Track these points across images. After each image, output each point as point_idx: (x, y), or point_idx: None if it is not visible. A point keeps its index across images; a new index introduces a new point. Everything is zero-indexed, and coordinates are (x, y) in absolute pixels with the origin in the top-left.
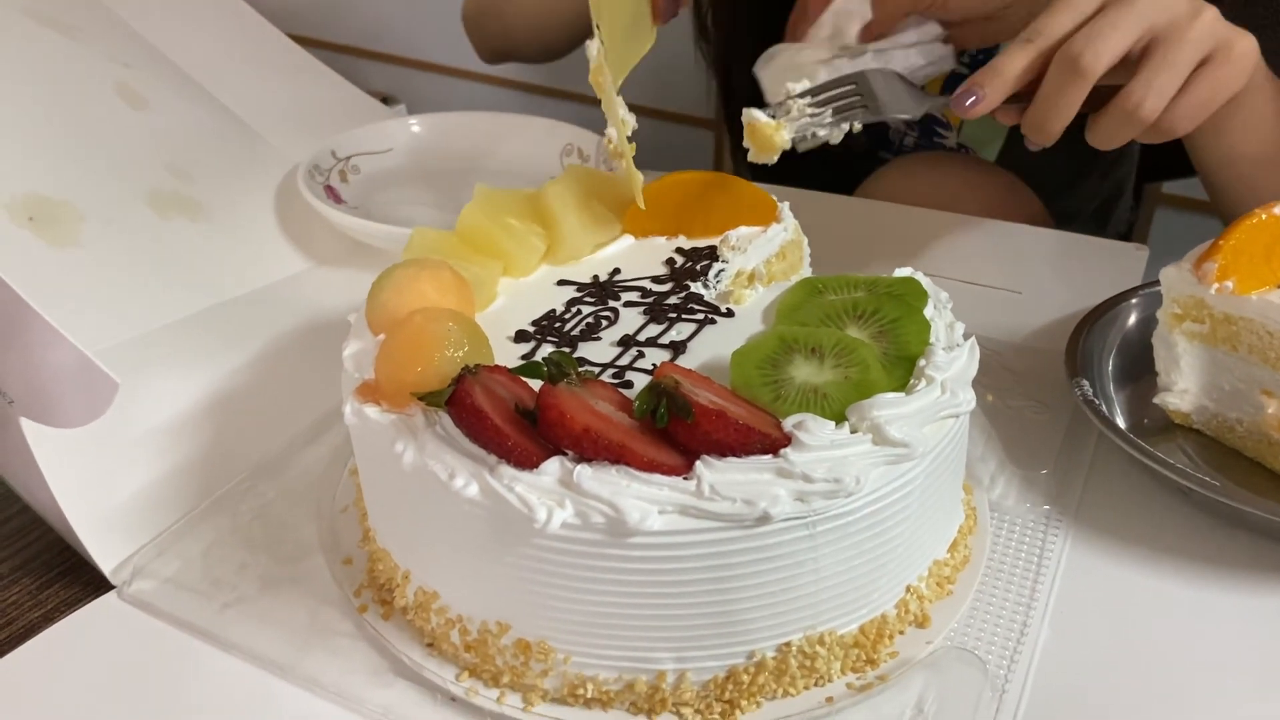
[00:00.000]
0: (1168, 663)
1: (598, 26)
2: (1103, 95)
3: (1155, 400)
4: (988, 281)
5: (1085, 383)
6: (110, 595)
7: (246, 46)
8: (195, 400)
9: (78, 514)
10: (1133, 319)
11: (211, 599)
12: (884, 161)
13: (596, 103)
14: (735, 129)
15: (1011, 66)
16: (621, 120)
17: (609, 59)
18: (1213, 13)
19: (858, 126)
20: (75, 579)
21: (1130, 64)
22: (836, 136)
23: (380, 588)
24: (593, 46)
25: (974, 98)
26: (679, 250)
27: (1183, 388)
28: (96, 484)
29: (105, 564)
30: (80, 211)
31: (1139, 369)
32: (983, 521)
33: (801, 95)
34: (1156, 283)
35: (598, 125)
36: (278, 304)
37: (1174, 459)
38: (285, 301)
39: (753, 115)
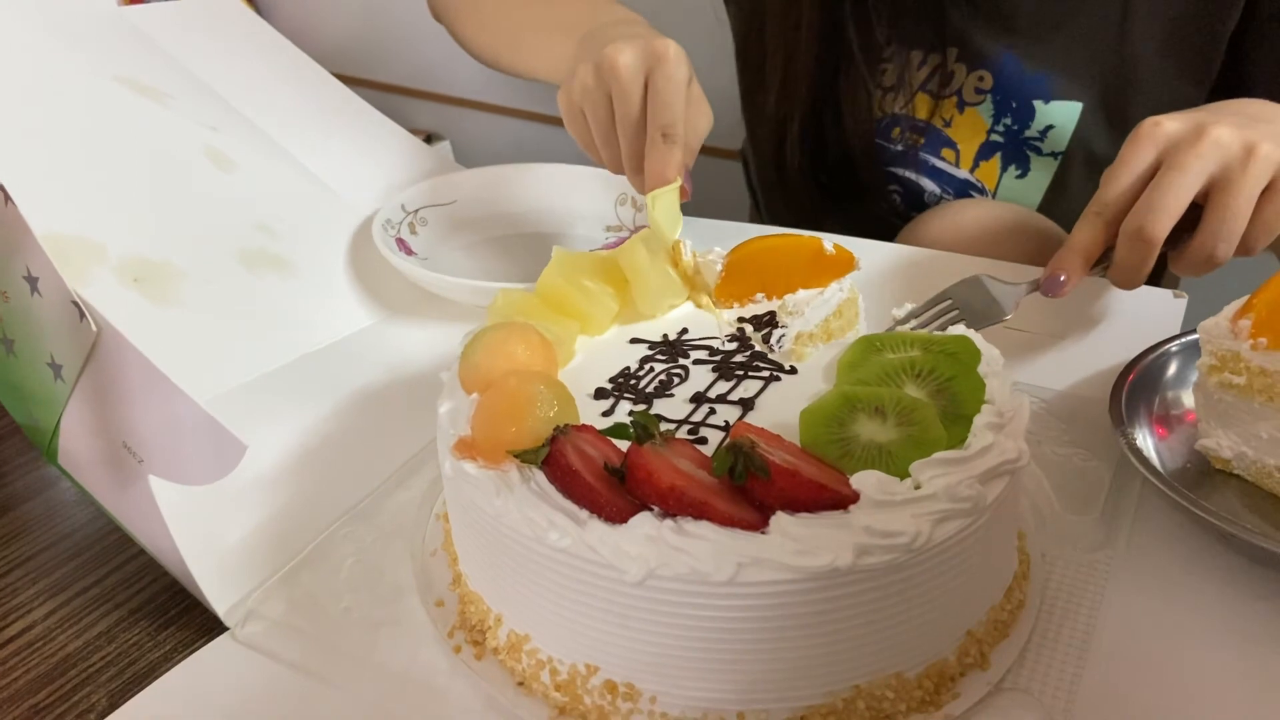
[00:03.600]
0: (1216, 701)
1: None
2: (1182, 228)
3: (1197, 446)
4: (1031, 328)
5: (1130, 430)
6: (225, 637)
7: (313, 100)
8: (290, 448)
9: (197, 561)
10: (1173, 367)
11: (318, 640)
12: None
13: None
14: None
15: (1086, 242)
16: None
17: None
18: (1268, 141)
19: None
20: (190, 620)
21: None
22: None
23: (472, 629)
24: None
25: (1061, 279)
26: (740, 319)
27: (1222, 435)
28: (210, 531)
29: (220, 607)
30: (181, 270)
31: (1180, 415)
32: (1035, 566)
33: (905, 320)
34: (1194, 331)
35: None
36: (358, 354)
37: (1216, 504)
38: (364, 352)
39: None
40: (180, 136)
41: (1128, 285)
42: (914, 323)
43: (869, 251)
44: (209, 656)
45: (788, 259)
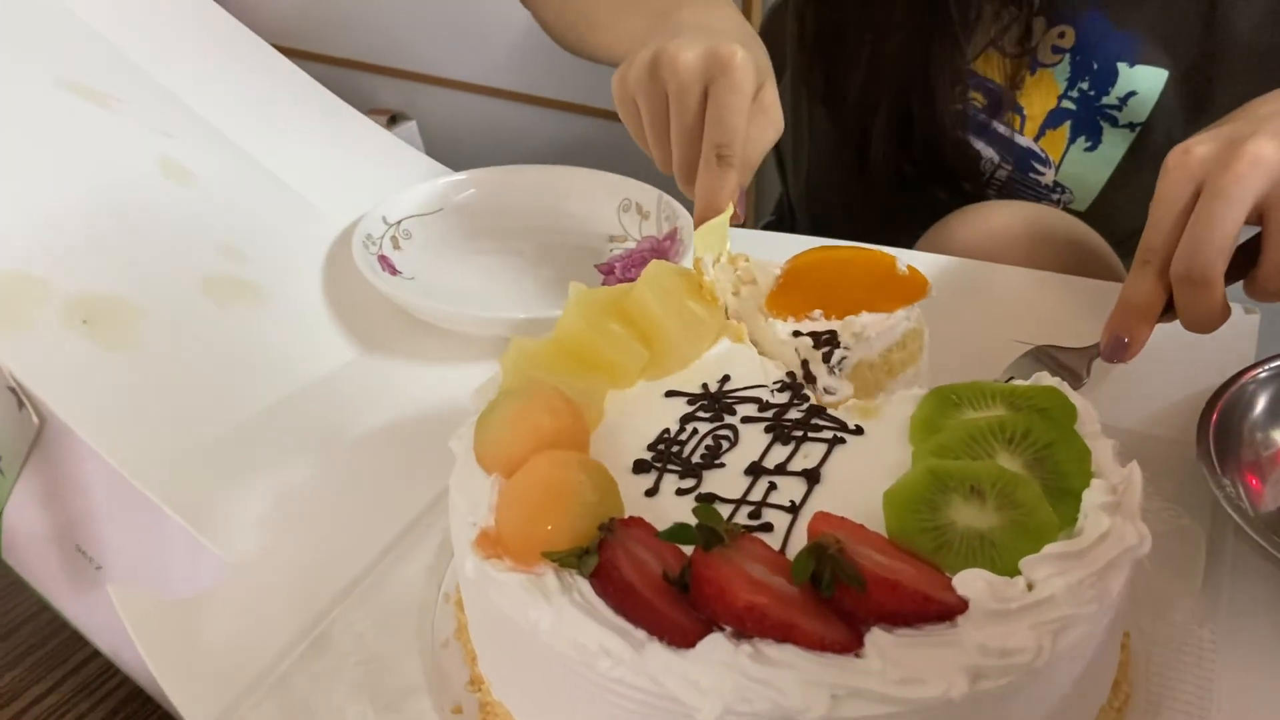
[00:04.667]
0: None
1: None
2: (1245, 252)
3: None
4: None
5: (1227, 483)
6: None
7: (275, 94)
8: (273, 517)
9: (167, 673)
10: (1261, 401)
11: None
12: (964, 196)
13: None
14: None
15: (1141, 296)
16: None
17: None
18: None
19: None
20: None
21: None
22: None
23: None
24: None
25: (1125, 342)
26: (796, 333)
27: None
28: (182, 633)
29: None
30: (137, 307)
31: (1272, 457)
32: (1135, 646)
33: None
34: (1276, 356)
35: (650, 176)
36: (342, 394)
37: None
38: (350, 391)
39: None
40: (130, 147)
41: (1202, 330)
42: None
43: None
44: None
45: (855, 275)
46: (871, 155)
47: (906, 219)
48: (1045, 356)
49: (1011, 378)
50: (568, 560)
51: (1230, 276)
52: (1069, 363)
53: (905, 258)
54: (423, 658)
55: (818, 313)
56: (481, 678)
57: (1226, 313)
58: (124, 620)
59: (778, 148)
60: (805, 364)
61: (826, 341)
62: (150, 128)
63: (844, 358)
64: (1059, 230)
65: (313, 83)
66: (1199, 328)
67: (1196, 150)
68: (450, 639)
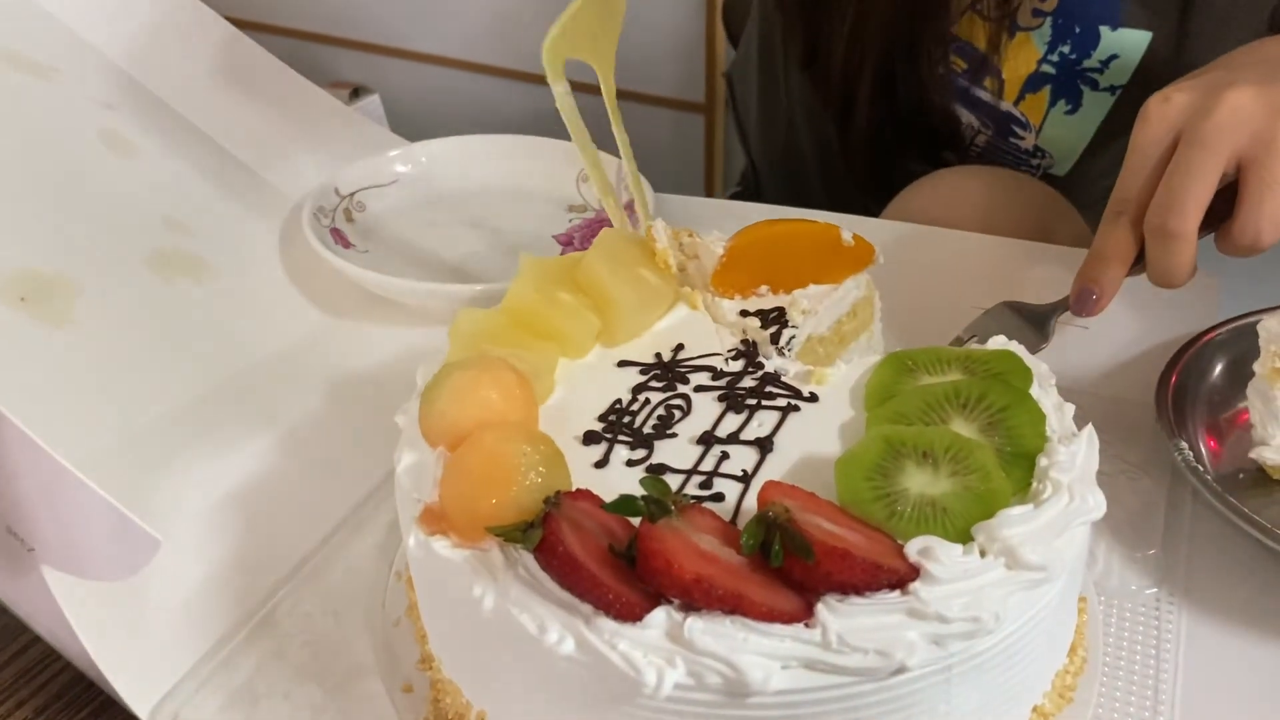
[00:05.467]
0: None
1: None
2: (1220, 204)
3: (1252, 454)
4: None
5: (1185, 446)
6: None
7: (224, 65)
8: (217, 497)
9: (107, 657)
10: (1219, 364)
11: None
12: (943, 164)
13: (574, 88)
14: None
15: (1112, 247)
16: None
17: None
18: None
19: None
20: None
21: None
22: None
23: None
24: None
25: (1094, 296)
26: (744, 312)
27: None
28: (123, 615)
29: (141, 708)
30: (76, 284)
31: (1231, 418)
32: (1093, 610)
33: None
34: (1235, 319)
35: (610, 146)
36: (293, 370)
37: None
38: (301, 367)
39: None
40: (70, 119)
41: (1169, 285)
42: None
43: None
44: None
45: (800, 248)
46: (854, 121)
47: (881, 186)
48: (1009, 312)
49: (974, 336)
50: (512, 535)
51: (1204, 230)
52: (1033, 318)
53: (863, 228)
54: (373, 637)
55: (764, 288)
56: (432, 656)
57: (1195, 268)
58: (60, 604)
59: (739, 116)
60: (754, 345)
61: (775, 320)
62: (90, 99)
63: (793, 337)
64: (1017, 195)
65: (265, 54)
66: (1167, 281)
67: (1176, 98)
68: (402, 617)
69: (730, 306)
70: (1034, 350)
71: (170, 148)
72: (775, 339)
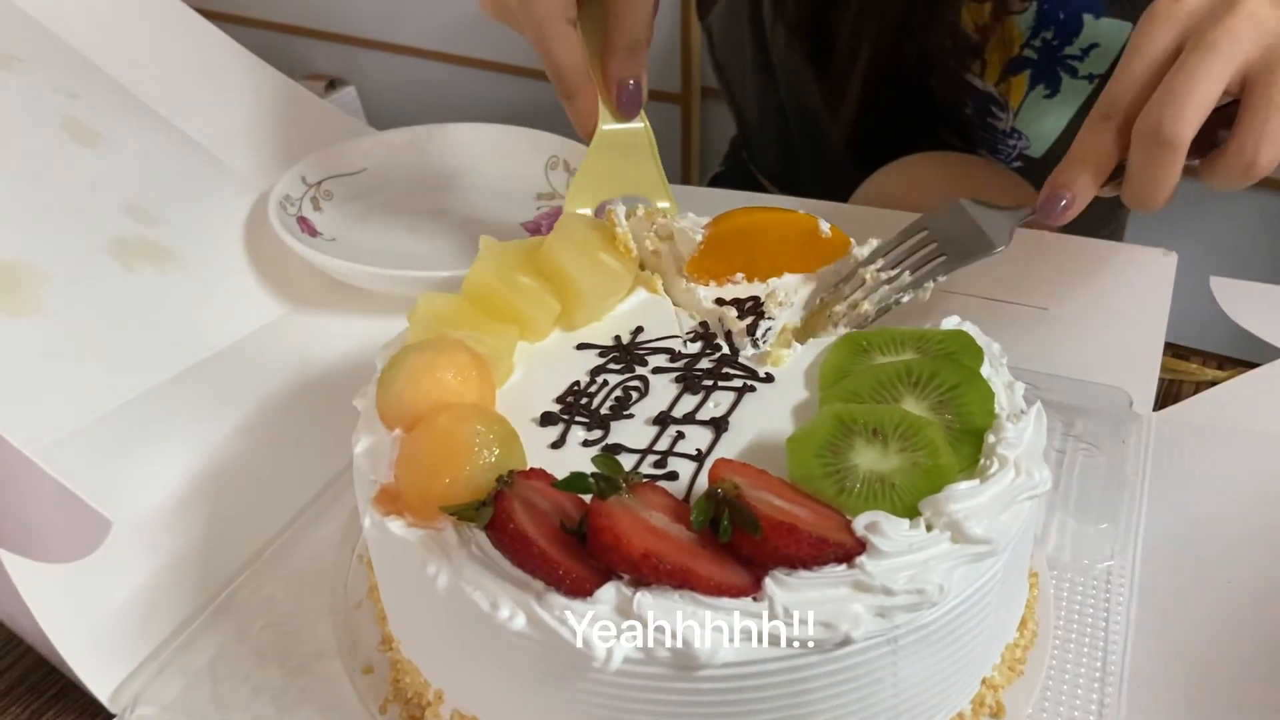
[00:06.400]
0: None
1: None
2: (1215, 126)
3: None
4: (1009, 297)
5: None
6: None
7: (193, 55)
8: (182, 482)
9: (66, 638)
10: None
11: None
12: (936, 144)
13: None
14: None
15: (1092, 152)
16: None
17: None
18: None
19: (942, 279)
20: (71, 704)
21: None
22: (925, 296)
23: (408, 702)
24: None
25: (1063, 200)
26: (719, 300)
27: None
28: (82, 597)
29: (101, 690)
30: (42, 272)
31: None
32: (1044, 585)
33: (871, 259)
34: None
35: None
36: (259, 358)
37: None
38: (267, 354)
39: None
40: (33, 108)
41: (1146, 205)
42: (882, 261)
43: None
44: None
45: (778, 237)
46: (848, 93)
47: (863, 159)
48: (968, 209)
49: (924, 230)
50: (465, 513)
51: (1192, 153)
52: (987, 223)
53: (829, 213)
54: (334, 619)
55: (740, 276)
56: (392, 637)
57: (1171, 185)
58: (19, 589)
59: (728, 84)
60: (729, 335)
61: (751, 309)
62: (54, 88)
63: (769, 329)
64: (980, 180)
65: (233, 44)
66: (1144, 199)
67: (1189, 1)
68: (363, 599)
69: (706, 293)
70: (988, 253)
71: (135, 137)
72: (752, 329)
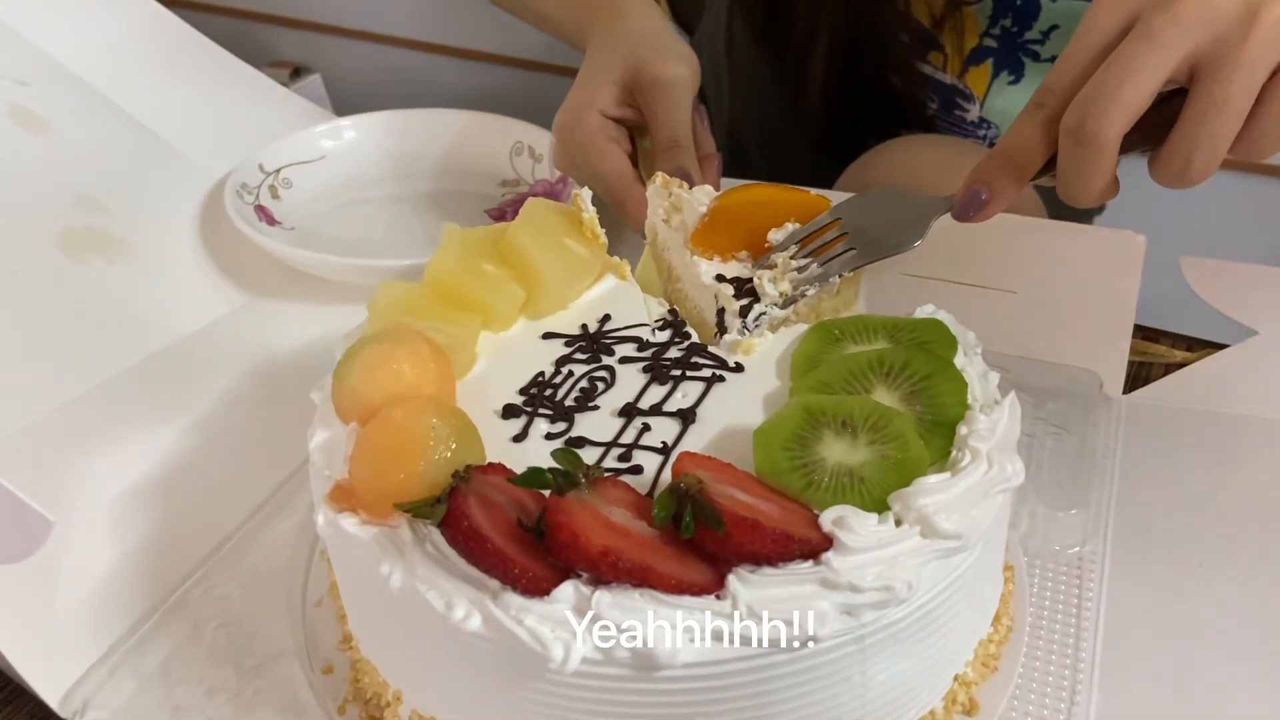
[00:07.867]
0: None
1: None
2: (1170, 117)
3: None
4: (978, 280)
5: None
6: None
7: (147, 43)
8: (134, 478)
9: (12, 640)
10: None
11: None
12: (893, 135)
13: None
14: None
15: (1018, 146)
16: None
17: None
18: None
19: (848, 274)
20: (20, 707)
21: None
22: (831, 289)
23: (367, 703)
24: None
25: (983, 198)
26: (719, 277)
27: None
28: (31, 597)
29: (51, 695)
30: None
31: None
32: (1019, 577)
33: (783, 246)
34: None
35: (544, 119)
36: (216, 350)
37: None
38: (223, 347)
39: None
40: None
41: (1076, 202)
42: (791, 252)
43: None
44: None
45: (784, 216)
46: (808, 89)
47: (830, 159)
48: (881, 200)
49: (837, 218)
50: (419, 510)
51: (1138, 145)
52: (908, 218)
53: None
54: (291, 618)
55: (744, 254)
56: (352, 635)
57: (1114, 188)
58: None
59: (706, 101)
60: (720, 313)
61: (748, 293)
62: (1, 76)
63: (762, 314)
64: (969, 163)
65: (190, 31)
66: (1076, 198)
67: None
68: (324, 597)
69: (708, 268)
70: (899, 249)
71: (87, 126)
72: (744, 313)
